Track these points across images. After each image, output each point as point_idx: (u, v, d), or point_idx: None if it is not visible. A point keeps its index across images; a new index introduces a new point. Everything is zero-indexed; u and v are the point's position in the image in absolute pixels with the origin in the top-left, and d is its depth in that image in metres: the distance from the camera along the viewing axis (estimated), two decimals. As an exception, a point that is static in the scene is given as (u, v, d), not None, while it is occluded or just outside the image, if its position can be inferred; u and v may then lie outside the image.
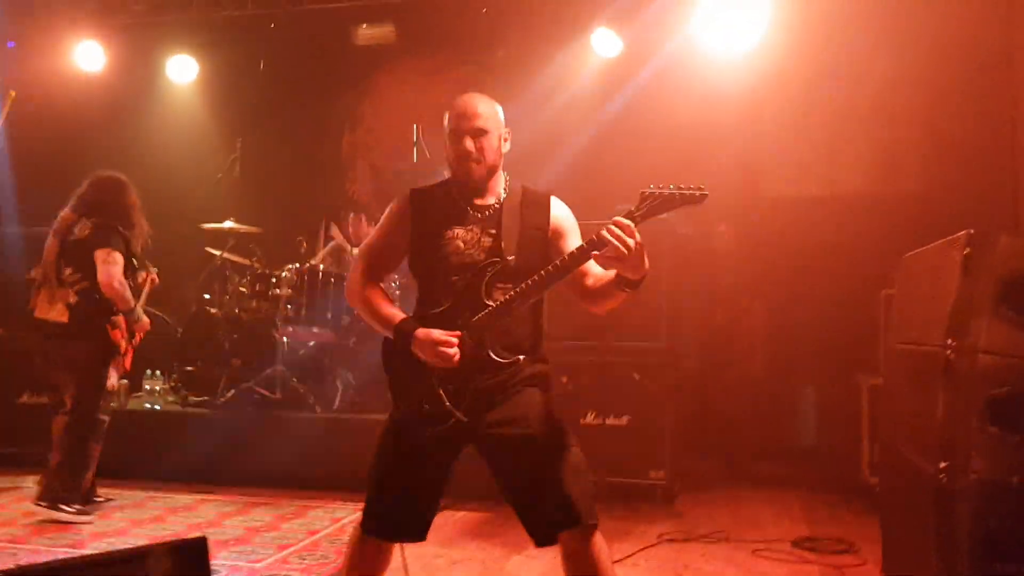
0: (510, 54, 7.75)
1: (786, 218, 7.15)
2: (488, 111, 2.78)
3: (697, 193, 2.43)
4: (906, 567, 3.45)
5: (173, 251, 7.41)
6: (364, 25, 7.94)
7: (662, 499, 5.41)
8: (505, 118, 2.85)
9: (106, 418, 5.16)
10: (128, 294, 5.13)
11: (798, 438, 7.09)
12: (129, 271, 5.22)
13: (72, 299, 5.08)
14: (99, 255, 5.05)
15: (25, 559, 4.17)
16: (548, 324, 2.89)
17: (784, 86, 6.87)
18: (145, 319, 5.33)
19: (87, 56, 8.13)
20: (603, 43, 7.29)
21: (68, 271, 5.12)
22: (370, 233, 7.70)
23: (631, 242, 2.39)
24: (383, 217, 2.90)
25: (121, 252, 5.13)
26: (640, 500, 5.35)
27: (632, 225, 2.40)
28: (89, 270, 5.07)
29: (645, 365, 5.45)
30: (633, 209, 2.46)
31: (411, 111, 8.21)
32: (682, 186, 2.43)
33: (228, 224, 6.98)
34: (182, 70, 8.27)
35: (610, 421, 5.44)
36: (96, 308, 5.10)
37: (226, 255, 7.08)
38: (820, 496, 5.69)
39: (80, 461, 5.03)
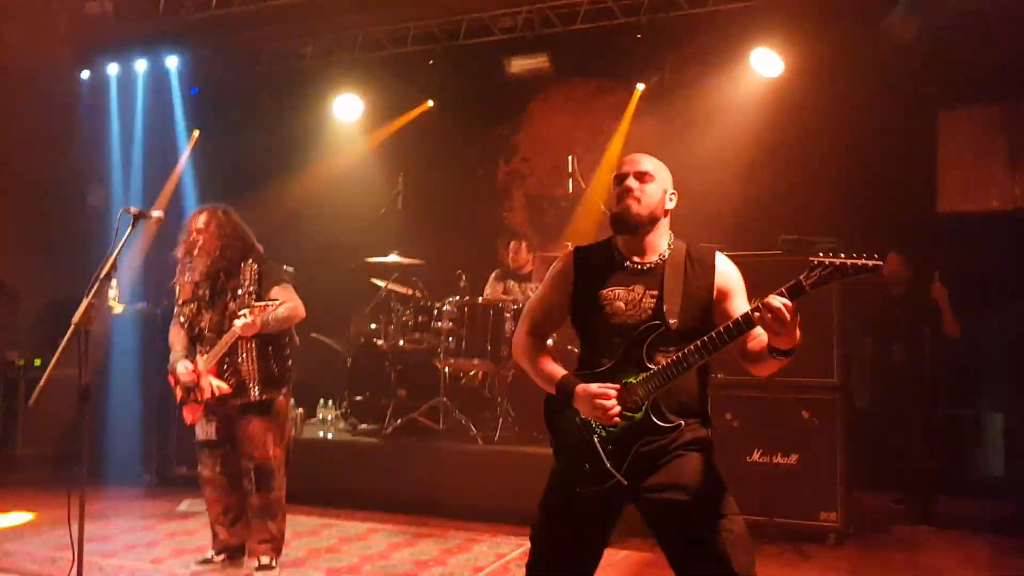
0: (666, 78, 7.66)
1: (964, 237, 6.75)
2: (654, 165, 2.79)
3: (871, 263, 2.34)
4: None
5: (342, 284, 7.74)
6: (518, 56, 8.04)
7: (834, 542, 5.18)
8: (665, 153, 2.86)
9: (202, 472, 4.67)
10: (172, 343, 4.67)
11: (985, 472, 6.64)
12: (176, 319, 4.71)
13: None
14: None
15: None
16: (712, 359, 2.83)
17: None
18: (179, 367, 4.52)
19: (260, 100, 8.67)
20: (764, 63, 7.11)
21: None
22: (529, 260, 7.68)
23: (787, 317, 2.35)
24: (547, 275, 2.94)
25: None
26: (810, 543, 5.14)
27: (791, 305, 2.35)
28: None
29: (815, 402, 5.25)
30: (802, 279, 2.39)
31: (565, 139, 8.27)
32: (855, 255, 2.34)
33: (392, 258, 7.19)
34: (348, 109, 8.61)
35: (777, 460, 5.27)
36: None
37: (390, 286, 7.30)
38: (1010, 539, 5.31)
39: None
